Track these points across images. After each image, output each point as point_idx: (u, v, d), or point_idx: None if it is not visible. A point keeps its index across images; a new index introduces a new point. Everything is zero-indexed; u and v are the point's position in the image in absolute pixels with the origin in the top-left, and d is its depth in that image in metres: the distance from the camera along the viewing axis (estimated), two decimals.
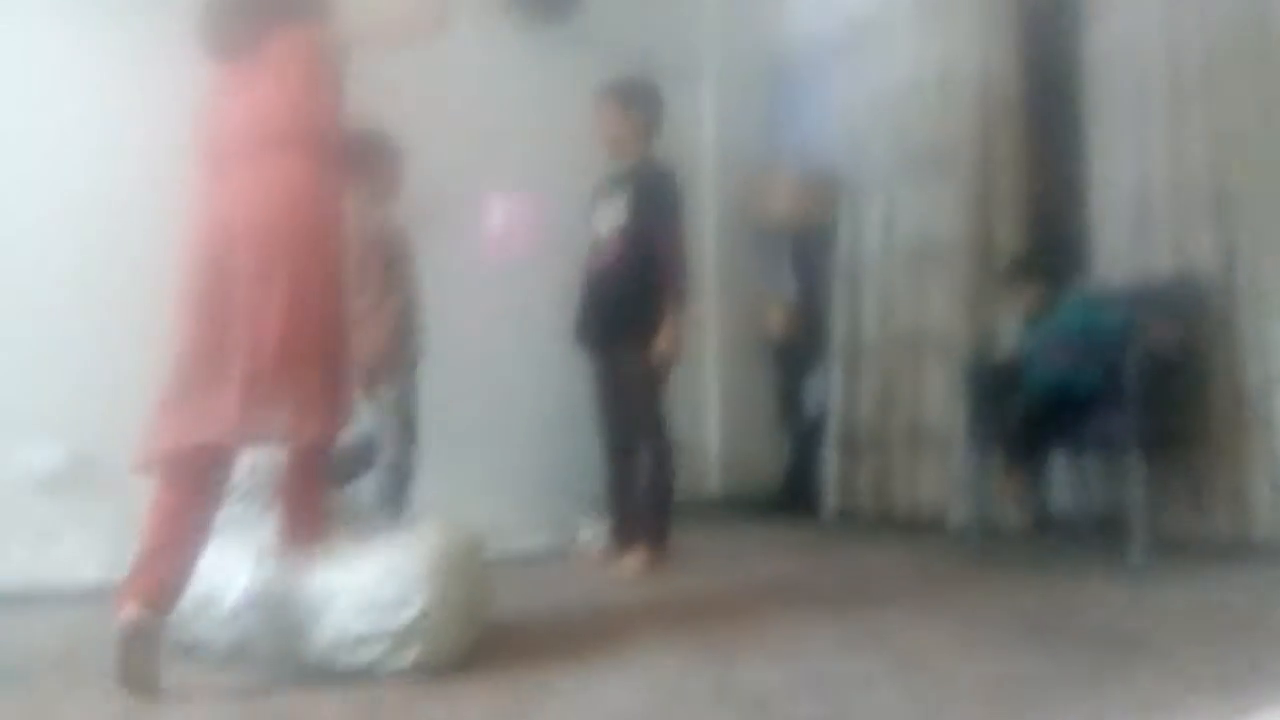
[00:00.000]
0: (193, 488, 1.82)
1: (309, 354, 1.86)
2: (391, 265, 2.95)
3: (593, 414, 3.33)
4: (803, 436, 4.75)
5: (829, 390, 4.63)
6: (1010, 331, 3.82)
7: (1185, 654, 1.90)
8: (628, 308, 3.10)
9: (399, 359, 2.92)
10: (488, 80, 4.19)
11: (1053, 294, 3.41)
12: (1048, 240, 3.95)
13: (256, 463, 2.79)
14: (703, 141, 4.97)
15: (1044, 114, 4.06)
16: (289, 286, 1.83)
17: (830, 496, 4.50)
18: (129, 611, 1.66)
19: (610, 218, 3.20)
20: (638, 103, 3.25)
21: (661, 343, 3.05)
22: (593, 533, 3.50)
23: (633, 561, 3.02)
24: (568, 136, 4.21)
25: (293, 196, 1.90)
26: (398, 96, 3.77)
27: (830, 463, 4.52)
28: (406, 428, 2.93)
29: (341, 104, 2.03)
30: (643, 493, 3.15)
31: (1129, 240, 3.57)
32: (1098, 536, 3.34)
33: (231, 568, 1.96)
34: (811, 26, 4.97)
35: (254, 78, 1.95)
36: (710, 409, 4.86)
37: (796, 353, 4.79)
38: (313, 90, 1.97)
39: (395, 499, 2.90)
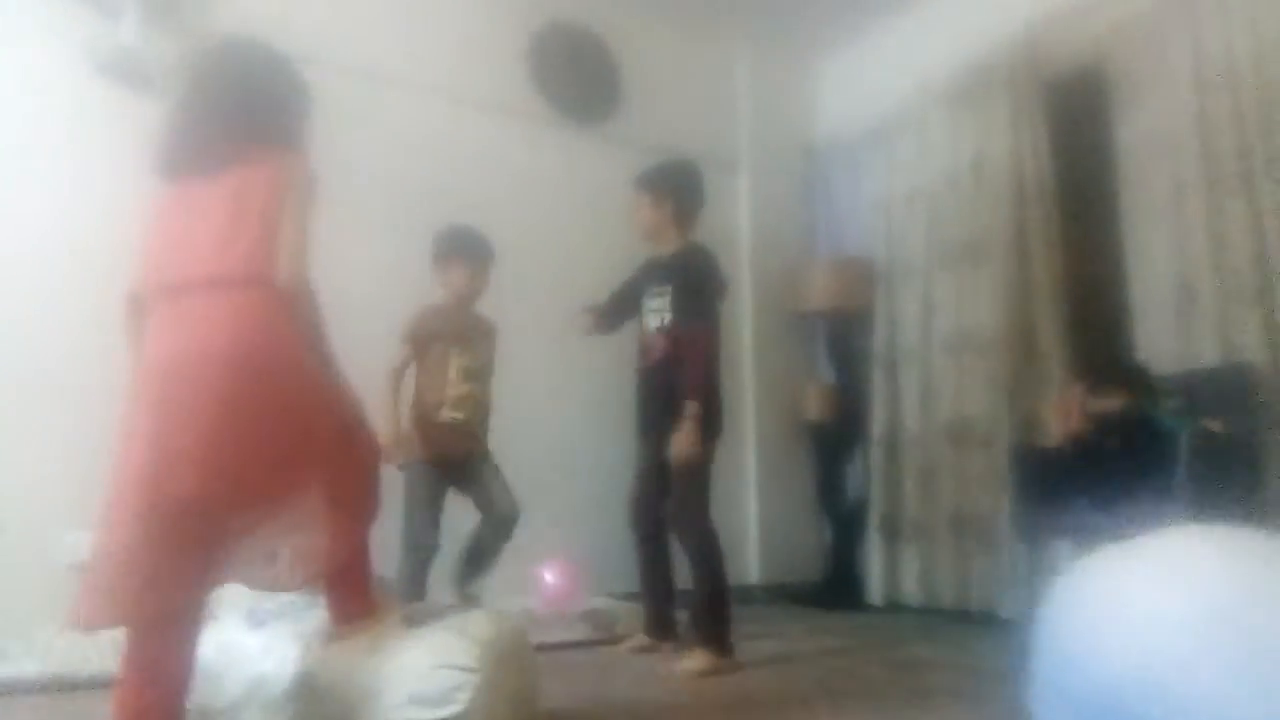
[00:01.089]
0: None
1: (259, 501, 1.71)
2: (486, 356, 3.30)
3: (628, 505, 3.33)
4: (844, 523, 4.70)
5: (870, 476, 4.59)
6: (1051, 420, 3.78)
7: None
8: (674, 402, 3.08)
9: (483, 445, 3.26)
10: (528, 180, 4.34)
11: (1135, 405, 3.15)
12: (1087, 329, 3.94)
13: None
14: (740, 229, 5.08)
15: (1079, 203, 4.10)
16: (219, 425, 1.65)
17: (875, 585, 4.42)
18: None
19: (655, 316, 3.21)
20: (670, 187, 3.23)
21: (676, 445, 2.99)
22: (625, 624, 3.48)
23: (693, 664, 2.85)
24: (607, 235, 4.33)
25: (241, 334, 1.71)
26: (438, 199, 3.98)
27: (874, 550, 4.46)
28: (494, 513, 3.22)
29: (306, 240, 1.83)
30: (694, 588, 3.05)
31: (1172, 329, 3.56)
32: None
33: (281, 654, 1.98)
34: (846, 115, 5.12)
35: (213, 204, 1.80)
36: (749, 495, 4.84)
37: (835, 437, 4.78)
38: (277, 225, 1.79)
39: (418, 579, 3.07)
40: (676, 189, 3.23)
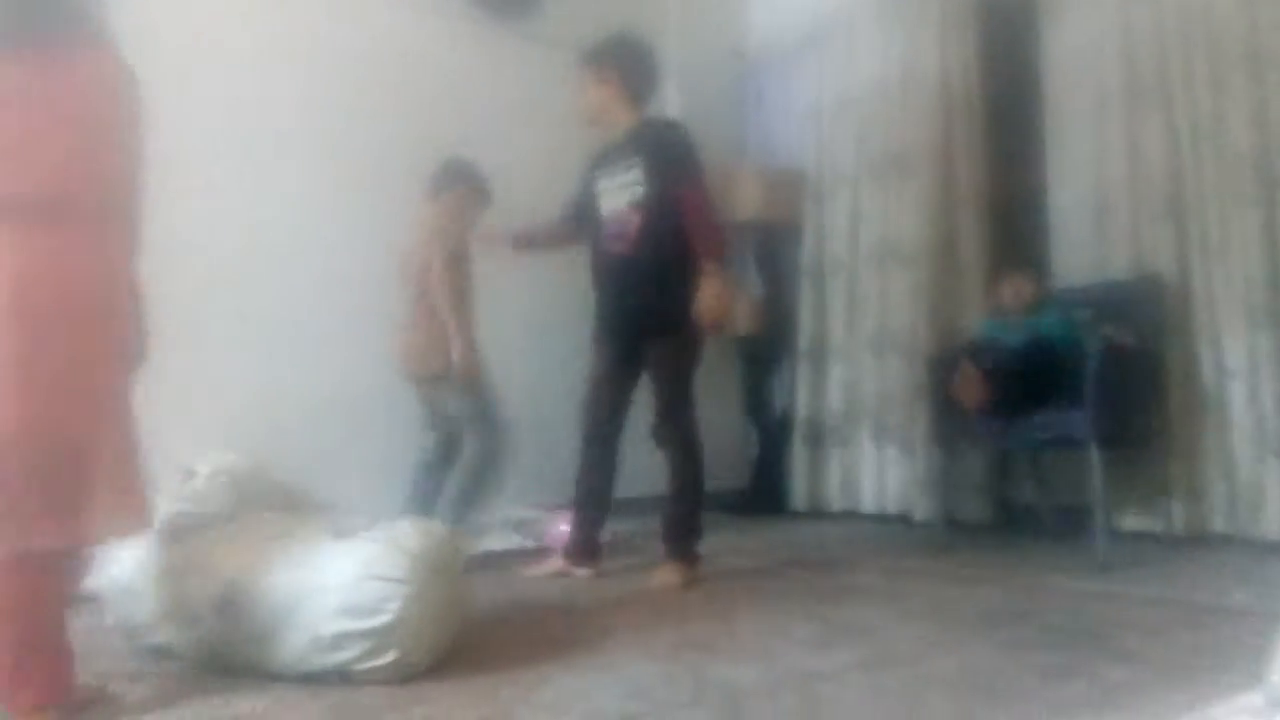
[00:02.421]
0: None
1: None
2: (468, 283, 3.31)
3: (583, 410, 3.04)
4: (770, 432, 4.79)
5: (795, 387, 4.67)
6: (971, 328, 3.88)
7: (1145, 646, 1.96)
8: (662, 290, 2.79)
9: (480, 367, 3.27)
10: (446, 82, 4.16)
11: (1037, 294, 3.49)
12: (1008, 239, 4.03)
13: (220, 467, 2.78)
14: None
15: (1004, 115, 4.14)
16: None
17: (798, 492, 4.55)
18: None
19: (622, 193, 2.88)
20: (613, 62, 2.95)
21: (705, 305, 2.73)
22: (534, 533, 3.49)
23: (671, 578, 2.75)
24: (532, 139, 4.22)
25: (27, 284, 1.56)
26: (357, 96, 3.81)
27: (798, 458, 4.57)
28: (491, 430, 3.27)
29: (136, 163, 1.70)
30: (670, 500, 2.90)
31: (1088, 240, 3.66)
32: (1058, 531, 3.43)
33: (201, 569, 1.94)
34: (777, 21, 5.02)
35: (8, 99, 1.56)
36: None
37: (762, 349, 4.83)
38: (92, 140, 1.62)
39: (472, 499, 3.23)
40: (620, 63, 2.95)
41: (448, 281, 3.20)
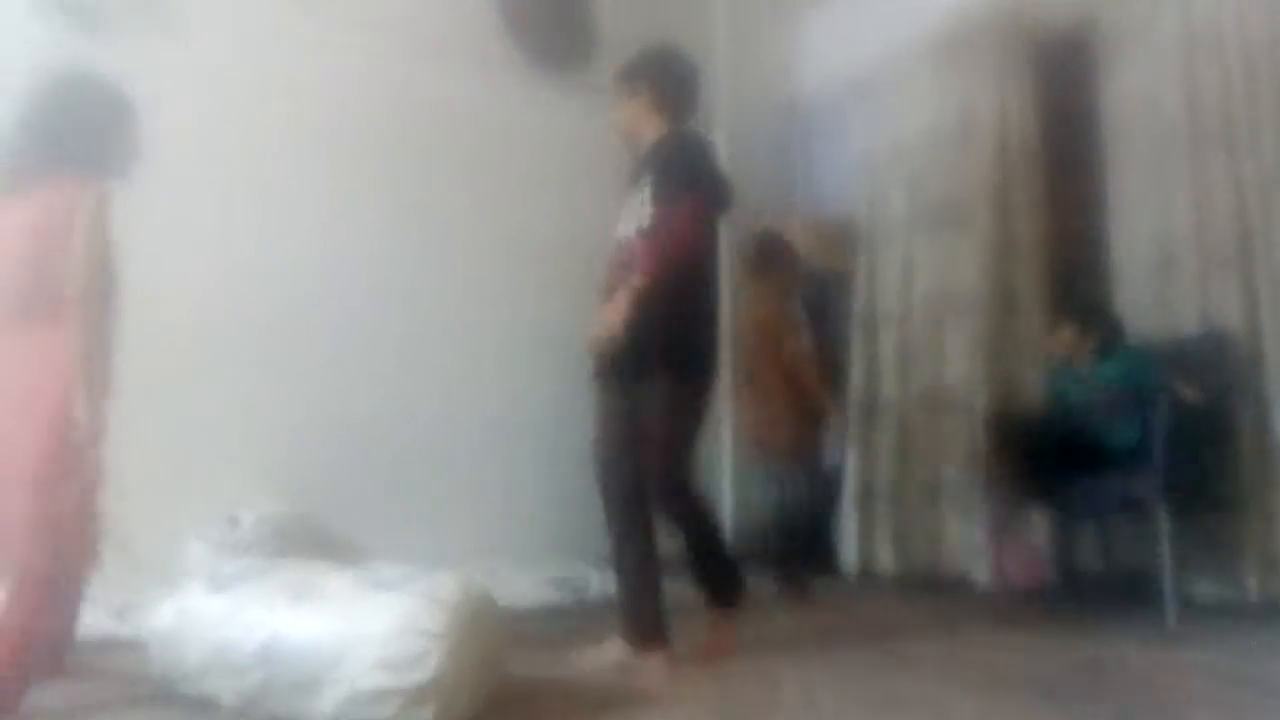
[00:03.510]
0: None
1: None
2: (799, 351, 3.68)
3: (595, 465, 2.56)
4: (819, 490, 4.68)
5: (846, 442, 4.57)
6: (1031, 383, 3.78)
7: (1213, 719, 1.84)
8: (658, 326, 2.37)
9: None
10: (499, 132, 4.21)
11: (1097, 343, 3.37)
12: (1071, 292, 3.93)
13: (264, 515, 2.80)
14: None
15: (1063, 164, 4.06)
16: None
17: (849, 552, 4.43)
18: None
19: (631, 218, 2.53)
20: (643, 73, 2.67)
21: (608, 310, 2.38)
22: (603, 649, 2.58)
23: (714, 649, 2.48)
24: (586, 189, 4.24)
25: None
26: (401, 154, 3.88)
27: (848, 517, 4.46)
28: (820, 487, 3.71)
29: (97, 259, 2.04)
30: (696, 566, 2.54)
31: (1153, 293, 3.54)
32: (1125, 597, 3.27)
33: (244, 619, 1.93)
34: (829, 70, 5.01)
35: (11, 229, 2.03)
36: (724, 461, 4.80)
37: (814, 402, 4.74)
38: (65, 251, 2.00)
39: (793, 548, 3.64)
40: (651, 74, 2.66)
41: (801, 356, 3.67)
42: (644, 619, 2.43)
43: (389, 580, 1.96)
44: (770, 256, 3.77)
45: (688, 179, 2.47)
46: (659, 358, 2.42)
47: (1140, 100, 3.66)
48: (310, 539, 2.62)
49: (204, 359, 3.25)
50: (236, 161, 3.46)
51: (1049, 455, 3.11)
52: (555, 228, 4.04)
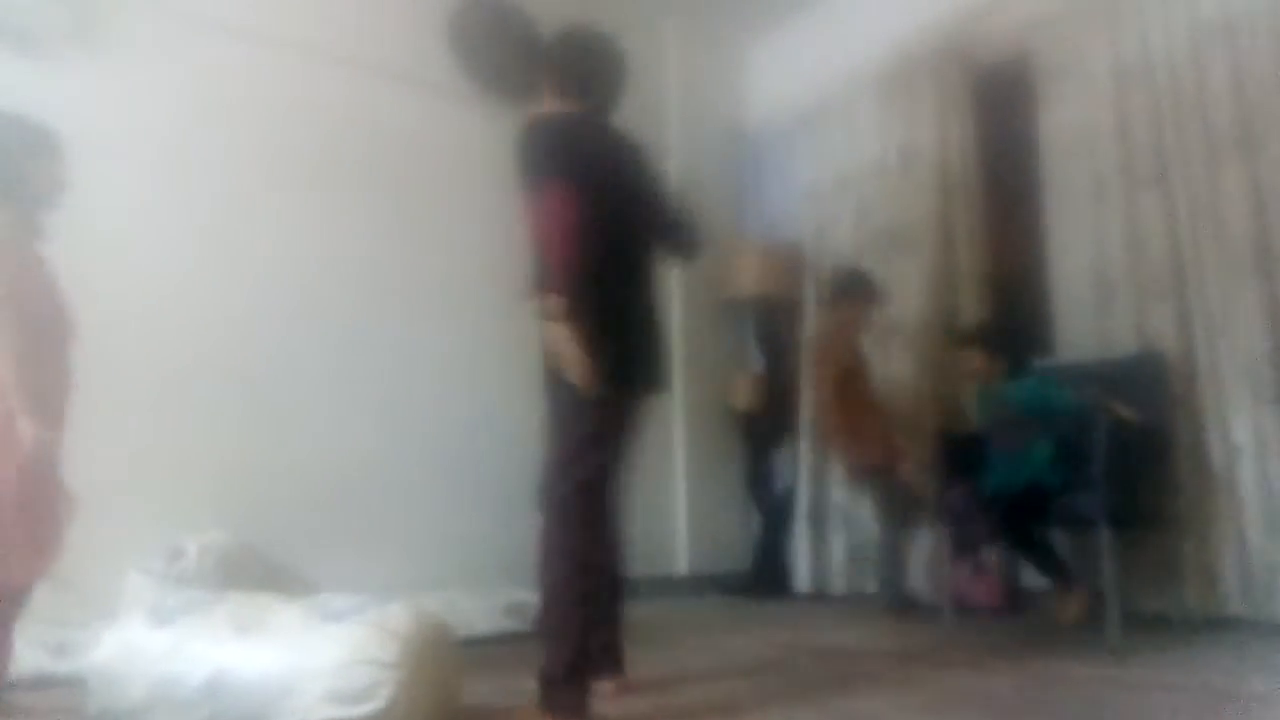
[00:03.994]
0: None
1: None
2: (865, 385, 3.89)
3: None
4: (772, 513, 4.71)
5: (798, 465, 4.61)
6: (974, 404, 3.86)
7: None
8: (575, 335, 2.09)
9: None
10: (448, 160, 4.20)
11: (1003, 366, 3.48)
12: (1010, 316, 4.03)
13: (208, 545, 2.73)
14: None
15: (1003, 193, 4.19)
16: None
17: (802, 574, 4.45)
18: None
19: None
20: (544, 59, 2.42)
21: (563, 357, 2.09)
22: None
23: None
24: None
25: None
26: (353, 179, 3.86)
27: (801, 539, 4.49)
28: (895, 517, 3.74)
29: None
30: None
31: (1091, 317, 3.65)
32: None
33: (189, 653, 1.88)
34: (776, 101, 5.11)
35: None
36: (677, 485, 4.81)
37: (764, 426, 4.79)
38: None
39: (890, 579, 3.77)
40: (550, 57, 2.39)
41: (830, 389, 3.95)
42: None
43: (338, 611, 1.92)
44: (842, 289, 4.03)
45: (546, 164, 2.11)
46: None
47: (1076, 130, 3.79)
48: (257, 570, 2.56)
49: (148, 390, 3.18)
50: (180, 192, 3.42)
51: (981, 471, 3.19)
52: (503, 252, 4.02)
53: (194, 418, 3.32)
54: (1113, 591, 2.82)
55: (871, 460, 3.88)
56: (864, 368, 4.04)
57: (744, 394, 4.80)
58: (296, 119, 3.77)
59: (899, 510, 3.80)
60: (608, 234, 2.15)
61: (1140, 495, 3.10)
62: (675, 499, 4.80)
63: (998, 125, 4.22)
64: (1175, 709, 2.13)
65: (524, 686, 2.43)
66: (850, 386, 3.93)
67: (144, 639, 1.94)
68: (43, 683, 2.36)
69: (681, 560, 4.74)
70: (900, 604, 3.75)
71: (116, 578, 2.63)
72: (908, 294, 4.22)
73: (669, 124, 5.10)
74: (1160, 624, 3.21)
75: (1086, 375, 3.37)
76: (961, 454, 3.39)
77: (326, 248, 3.80)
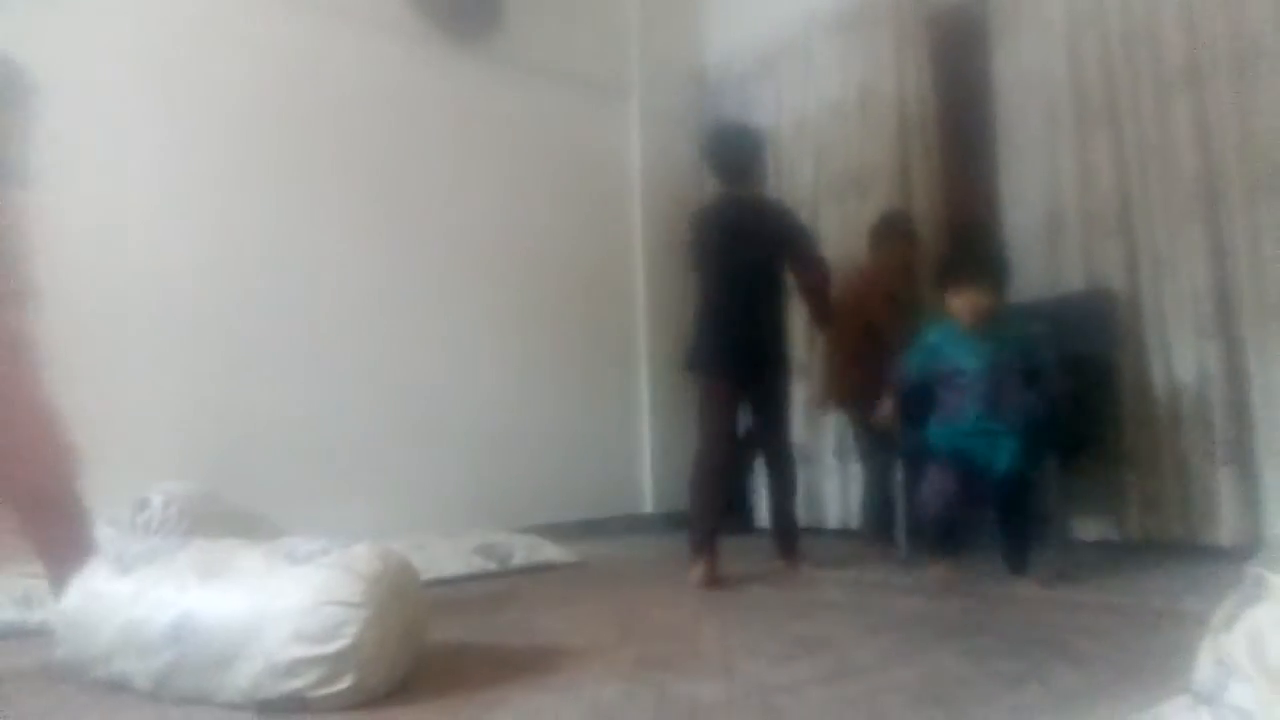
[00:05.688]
0: None
1: None
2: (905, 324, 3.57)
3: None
4: (737, 451, 4.77)
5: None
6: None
7: (1100, 651, 1.98)
8: None
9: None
10: (404, 102, 4.15)
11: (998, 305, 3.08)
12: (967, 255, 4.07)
13: (172, 494, 2.75)
14: (632, 153, 5.04)
15: (959, 134, 4.21)
16: None
17: (762, 509, 4.55)
18: None
19: None
20: (702, 147, 3.76)
21: None
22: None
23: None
24: (492, 160, 4.22)
25: None
26: (307, 124, 3.81)
27: (761, 475, 4.57)
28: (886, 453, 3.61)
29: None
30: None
31: (1042, 256, 3.72)
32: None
33: (154, 598, 1.91)
34: (735, 43, 5.08)
35: None
36: (642, 425, 4.88)
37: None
38: None
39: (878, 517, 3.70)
40: (701, 147, 3.25)
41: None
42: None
43: (303, 554, 1.95)
44: (883, 232, 3.84)
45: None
46: None
47: (1030, 73, 3.82)
48: (223, 518, 2.58)
49: (121, 344, 3.16)
50: (144, 141, 3.36)
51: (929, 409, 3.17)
52: (474, 214, 4.02)
53: (168, 370, 3.31)
54: (1057, 518, 2.93)
55: (863, 411, 3.72)
56: (897, 320, 3.64)
57: None
58: (263, 65, 3.71)
59: (880, 447, 3.81)
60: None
61: (1085, 424, 3.19)
62: (641, 440, 4.87)
63: (954, 66, 4.23)
64: (1111, 626, 2.24)
65: (496, 622, 2.52)
66: (868, 345, 3.67)
67: (109, 587, 1.96)
68: (10, 633, 2.39)
69: (648, 499, 4.83)
70: (879, 538, 3.77)
71: None
72: (865, 235, 4.25)
73: (630, 64, 5.07)
74: (1105, 549, 3.34)
75: (1037, 312, 3.44)
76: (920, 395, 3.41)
77: (298, 200, 3.76)
